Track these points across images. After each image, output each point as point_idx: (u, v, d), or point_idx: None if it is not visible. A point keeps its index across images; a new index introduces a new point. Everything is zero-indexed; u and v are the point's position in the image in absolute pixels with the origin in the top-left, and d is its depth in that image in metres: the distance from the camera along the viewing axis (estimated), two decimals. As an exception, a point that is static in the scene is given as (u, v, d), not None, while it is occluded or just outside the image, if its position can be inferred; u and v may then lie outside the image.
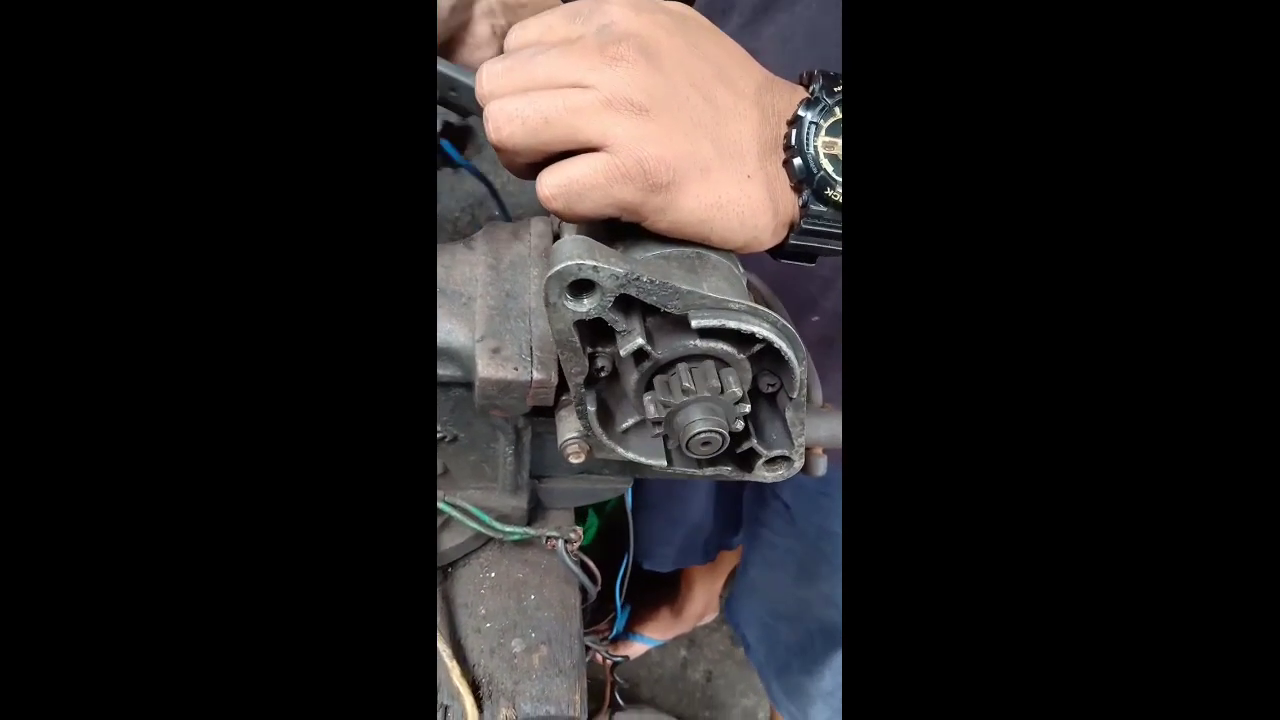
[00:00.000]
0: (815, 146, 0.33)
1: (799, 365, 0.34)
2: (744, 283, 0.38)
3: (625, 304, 0.32)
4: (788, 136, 0.34)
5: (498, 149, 0.34)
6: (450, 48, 0.49)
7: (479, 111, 0.44)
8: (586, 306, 0.31)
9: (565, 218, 0.35)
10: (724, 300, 0.32)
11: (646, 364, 0.34)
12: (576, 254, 0.30)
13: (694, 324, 0.32)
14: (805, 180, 0.33)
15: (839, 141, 0.32)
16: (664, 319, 0.34)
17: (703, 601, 1.40)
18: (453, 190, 0.78)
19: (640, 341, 0.32)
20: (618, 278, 0.30)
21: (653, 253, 0.36)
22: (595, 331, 0.34)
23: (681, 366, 0.34)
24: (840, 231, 0.35)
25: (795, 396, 0.36)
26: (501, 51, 0.52)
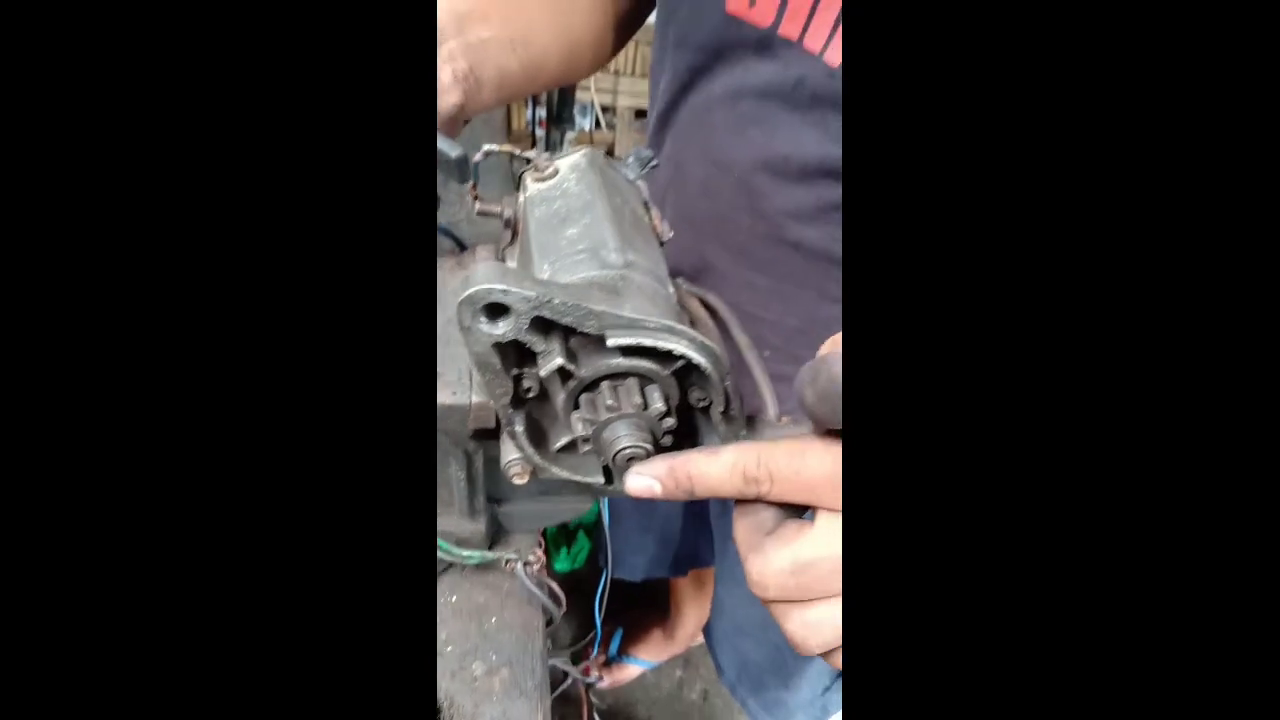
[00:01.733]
0: None
1: (720, 380, 0.35)
2: (672, 301, 0.38)
3: (545, 326, 0.33)
4: None
5: None
6: None
7: (448, 174, 0.45)
8: (502, 329, 0.32)
9: None
10: (639, 320, 0.33)
11: (572, 383, 0.35)
12: (488, 278, 0.31)
13: (610, 343, 0.32)
14: None
15: None
16: (586, 339, 0.34)
17: (694, 622, 1.39)
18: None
19: (559, 361, 0.33)
20: (529, 300, 0.31)
21: (579, 276, 0.37)
22: (520, 353, 0.35)
23: (605, 385, 0.34)
24: None
25: (725, 412, 0.37)
26: (464, 97, 0.53)
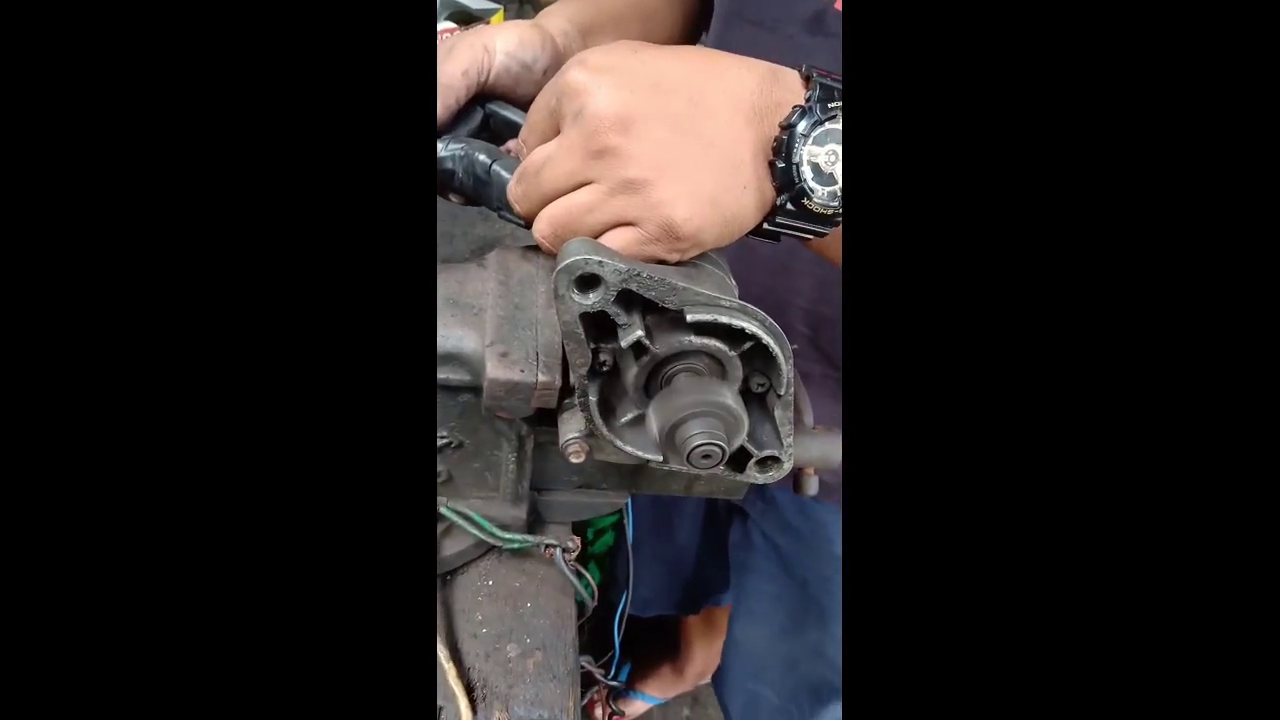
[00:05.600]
0: (801, 155, 0.35)
1: (785, 362, 0.37)
2: (735, 291, 0.41)
3: (627, 301, 0.36)
4: (778, 140, 0.36)
5: None
6: None
7: None
8: (591, 300, 0.34)
9: None
10: (716, 298, 0.35)
11: (645, 359, 0.37)
12: (584, 251, 0.33)
13: (689, 318, 0.35)
14: (785, 186, 0.36)
15: (823, 149, 0.35)
16: (662, 318, 0.37)
17: (703, 660, 1.38)
18: (465, 234, 0.82)
19: (639, 333, 0.35)
20: (620, 272, 0.34)
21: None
22: (599, 329, 0.38)
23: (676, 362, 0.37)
24: (805, 227, 0.38)
25: (783, 394, 0.39)
26: None
